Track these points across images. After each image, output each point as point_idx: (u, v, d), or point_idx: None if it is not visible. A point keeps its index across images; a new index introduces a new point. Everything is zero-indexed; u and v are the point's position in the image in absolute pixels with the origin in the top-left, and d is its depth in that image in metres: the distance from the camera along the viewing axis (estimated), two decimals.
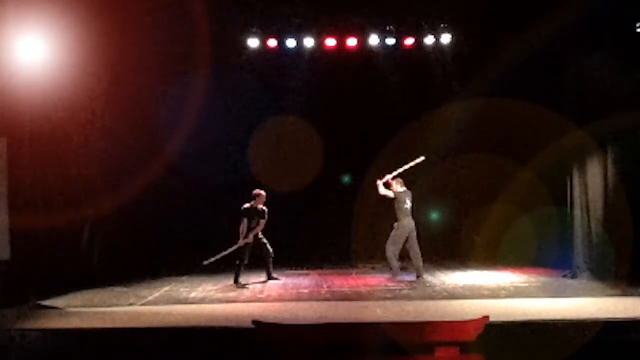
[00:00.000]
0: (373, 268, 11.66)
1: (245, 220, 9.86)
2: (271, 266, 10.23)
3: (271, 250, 10.14)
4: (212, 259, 9.91)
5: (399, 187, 10.14)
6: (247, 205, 9.93)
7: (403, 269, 10.46)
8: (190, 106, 11.14)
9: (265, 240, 10.10)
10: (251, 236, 9.84)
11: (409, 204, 10.07)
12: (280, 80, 12.47)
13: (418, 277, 10.03)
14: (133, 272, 10.38)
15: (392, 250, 10.05)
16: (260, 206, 9.95)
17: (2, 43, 8.07)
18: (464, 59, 11.76)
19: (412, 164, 10.19)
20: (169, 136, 11.38)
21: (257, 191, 10.01)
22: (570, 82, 10.10)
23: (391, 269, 10.20)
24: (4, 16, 8.06)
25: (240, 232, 9.84)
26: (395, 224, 10.10)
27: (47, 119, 8.76)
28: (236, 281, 9.79)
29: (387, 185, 10.19)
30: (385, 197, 10.17)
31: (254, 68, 11.98)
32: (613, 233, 9.21)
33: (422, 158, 10.21)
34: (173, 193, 11.83)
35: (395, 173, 10.18)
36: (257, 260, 10.18)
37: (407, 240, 10.05)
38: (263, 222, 9.93)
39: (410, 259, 10.28)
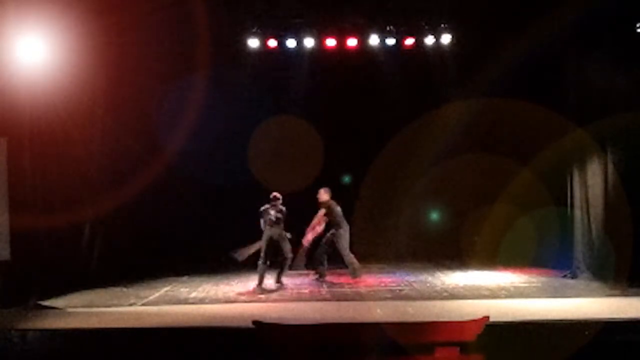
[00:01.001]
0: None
1: (262, 221, 9.73)
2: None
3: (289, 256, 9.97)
4: (244, 252, 9.75)
5: (327, 196, 10.08)
6: (266, 206, 9.70)
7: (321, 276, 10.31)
8: (190, 106, 11.15)
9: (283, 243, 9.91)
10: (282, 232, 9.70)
11: (339, 208, 10.09)
12: (280, 80, 12.46)
13: (320, 277, 10.09)
14: (133, 272, 10.39)
15: (349, 254, 10.02)
16: (281, 207, 9.75)
17: (2, 43, 8.08)
18: (464, 59, 11.73)
19: None
20: (169, 136, 11.38)
21: (275, 194, 9.79)
22: (570, 82, 10.10)
23: (354, 270, 10.06)
24: (4, 16, 8.07)
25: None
26: (340, 232, 9.98)
27: (47, 119, 8.76)
28: (278, 279, 9.71)
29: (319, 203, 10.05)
30: (327, 214, 10.00)
31: (254, 68, 11.97)
32: (613, 233, 9.21)
33: None
34: (173, 193, 11.82)
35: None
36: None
37: (332, 243, 10.06)
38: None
39: (320, 265, 10.22)
